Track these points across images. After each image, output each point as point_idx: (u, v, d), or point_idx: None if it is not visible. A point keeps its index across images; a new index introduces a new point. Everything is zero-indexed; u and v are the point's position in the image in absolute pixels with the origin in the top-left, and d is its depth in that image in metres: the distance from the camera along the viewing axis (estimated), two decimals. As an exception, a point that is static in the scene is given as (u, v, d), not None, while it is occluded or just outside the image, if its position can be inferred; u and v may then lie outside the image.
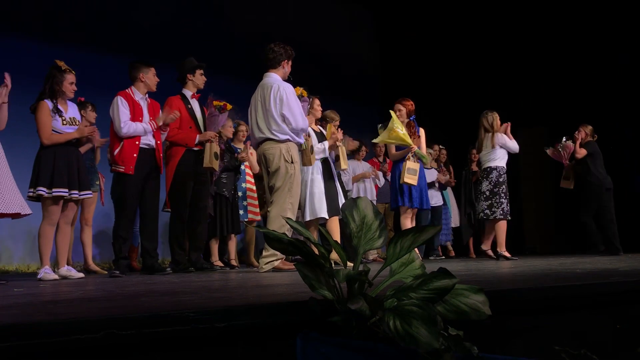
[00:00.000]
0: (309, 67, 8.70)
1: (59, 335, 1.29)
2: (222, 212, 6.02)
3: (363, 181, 7.63)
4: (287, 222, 1.75)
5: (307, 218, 5.22)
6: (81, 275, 4.55)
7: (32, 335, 1.28)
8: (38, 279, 4.20)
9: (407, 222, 5.79)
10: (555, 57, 9.14)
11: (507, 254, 6.17)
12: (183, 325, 1.43)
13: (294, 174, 4.45)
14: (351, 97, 9.33)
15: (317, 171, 5.33)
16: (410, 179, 5.62)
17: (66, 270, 4.43)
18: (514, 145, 6.35)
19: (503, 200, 6.18)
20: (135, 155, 4.80)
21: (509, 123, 6.35)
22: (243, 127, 6.31)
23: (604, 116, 8.68)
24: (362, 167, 7.76)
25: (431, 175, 7.93)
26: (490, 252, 6.38)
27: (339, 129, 5.72)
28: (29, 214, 4.20)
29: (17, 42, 6.62)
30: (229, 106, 5.30)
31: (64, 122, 4.41)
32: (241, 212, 6.30)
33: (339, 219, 5.31)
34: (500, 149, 6.27)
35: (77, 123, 4.53)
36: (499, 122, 6.38)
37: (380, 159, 8.16)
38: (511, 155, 6.48)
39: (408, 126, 5.75)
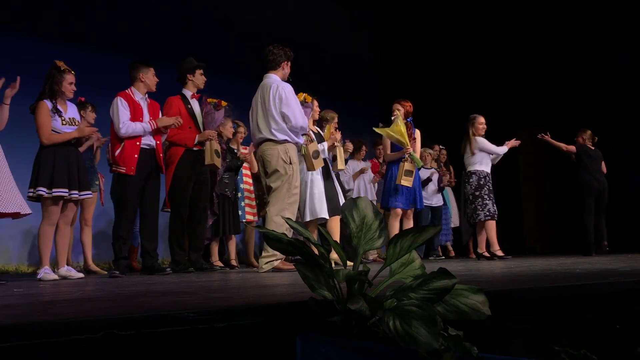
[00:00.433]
0: (309, 67, 8.71)
1: (58, 336, 1.29)
2: (224, 212, 6.02)
3: (363, 179, 7.63)
4: (286, 223, 1.75)
5: (308, 218, 5.22)
6: (81, 275, 4.55)
7: (32, 335, 1.28)
8: (38, 279, 4.20)
9: (395, 224, 5.82)
10: (555, 57, 9.14)
11: (499, 253, 6.21)
12: (183, 326, 1.43)
13: (292, 175, 4.46)
14: (351, 97, 9.34)
15: (316, 171, 5.34)
16: (407, 181, 5.68)
17: (66, 270, 4.43)
18: (495, 149, 6.39)
19: (487, 201, 6.29)
20: (136, 156, 4.79)
21: (516, 141, 6.27)
22: (242, 129, 6.30)
23: (604, 116, 8.68)
24: (354, 164, 7.79)
25: (426, 172, 7.95)
26: (486, 253, 6.41)
27: (337, 130, 5.73)
28: (28, 214, 4.20)
29: (17, 42, 6.62)
30: (224, 103, 5.29)
31: (63, 122, 4.41)
32: (240, 212, 6.30)
33: (339, 219, 5.32)
34: (480, 153, 6.38)
35: (77, 123, 4.53)
36: (479, 125, 6.44)
37: (381, 159, 8.16)
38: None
39: (405, 127, 5.78)
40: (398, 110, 5.87)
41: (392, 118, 5.81)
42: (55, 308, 1.85)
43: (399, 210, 5.82)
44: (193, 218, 5.25)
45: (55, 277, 4.26)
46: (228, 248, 6.34)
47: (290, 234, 3.80)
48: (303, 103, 4.97)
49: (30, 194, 4.29)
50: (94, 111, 5.75)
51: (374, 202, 7.12)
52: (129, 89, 4.97)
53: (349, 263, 1.70)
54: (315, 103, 5.62)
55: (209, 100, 5.23)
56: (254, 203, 6.50)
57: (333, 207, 5.30)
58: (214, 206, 5.82)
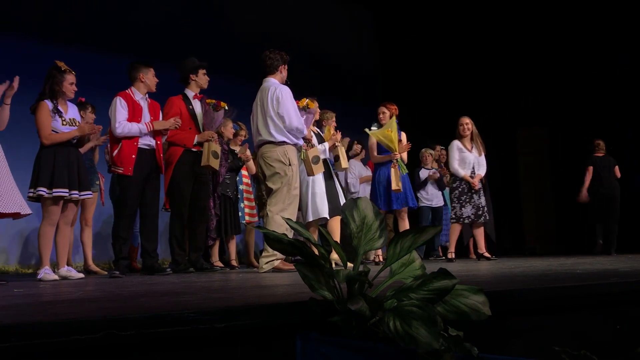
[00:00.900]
0: (309, 67, 8.71)
1: (59, 336, 1.29)
2: (225, 212, 6.02)
3: (368, 183, 7.64)
4: (287, 223, 1.75)
5: (310, 218, 5.22)
6: (81, 275, 4.55)
7: (32, 335, 1.28)
8: (38, 280, 4.19)
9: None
10: (556, 57, 9.14)
11: (450, 256, 6.31)
12: (183, 326, 1.43)
13: (292, 176, 4.50)
14: (351, 97, 9.33)
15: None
16: (400, 185, 5.71)
17: (66, 270, 4.43)
18: (451, 160, 6.43)
19: (455, 204, 6.34)
20: (133, 156, 4.79)
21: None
22: (243, 132, 6.30)
23: (604, 116, 8.68)
24: (360, 166, 7.79)
25: (427, 172, 7.97)
26: (487, 254, 6.46)
27: (338, 130, 5.74)
28: (28, 214, 4.20)
29: (17, 42, 6.62)
30: (223, 104, 5.29)
31: (64, 123, 4.41)
32: (240, 213, 6.30)
33: (340, 220, 5.32)
34: (456, 157, 6.38)
35: (77, 124, 4.52)
36: (459, 126, 6.44)
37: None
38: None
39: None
40: (384, 113, 5.92)
41: (382, 122, 5.86)
42: (56, 308, 1.85)
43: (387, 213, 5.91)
44: (193, 218, 5.25)
45: (56, 277, 4.26)
46: (228, 248, 6.34)
47: (290, 235, 3.80)
48: (305, 109, 5.01)
49: (31, 194, 4.29)
50: (93, 112, 5.75)
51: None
52: (129, 89, 4.96)
53: (349, 263, 1.70)
54: (316, 103, 5.62)
55: (207, 100, 5.22)
56: (253, 204, 6.51)
57: (334, 208, 5.30)
58: (216, 207, 5.81)
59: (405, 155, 6.07)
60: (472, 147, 6.36)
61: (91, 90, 5.71)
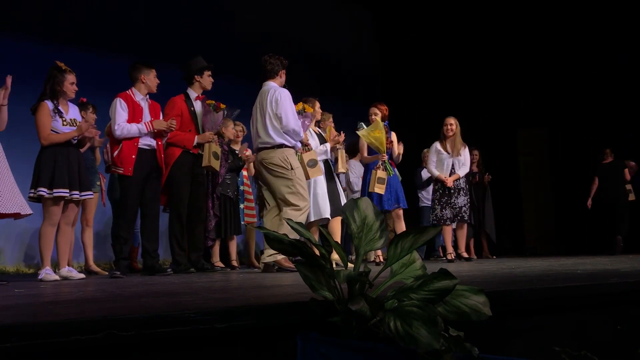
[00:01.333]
0: (309, 67, 8.71)
1: (59, 336, 1.29)
2: (225, 213, 6.01)
3: None
4: (287, 223, 1.75)
5: (312, 219, 5.24)
6: (82, 275, 4.54)
7: (33, 335, 1.28)
8: (39, 280, 4.19)
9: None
10: (556, 57, 9.14)
11: (451, 257, 6.32)
12: (183, 326, 1.43)
13: (295, 179, 4.53)
14: (351, 97, 9.32)
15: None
16: (379, 188, 5.72)
17: (67, 271, 4.43)
18: (429, 168, 6.56)
19: (437, 206, 6.42)
20: (133, 156, 4.78)
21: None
22: (239, 127, 6.30)
23: (604, 116, 8.68)
24: (360, 167, 7.78)
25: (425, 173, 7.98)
26: (464, 254, 6.55)
27: (342, 133, 5.75)
28: (29, 214, 4.20)
29: (17, 42, 6.62)
30: (222, 105, 5.30)
31: (64, 123, 4.40)
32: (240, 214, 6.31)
33: (341, 220, 5.34)
34: (432, 160, 6.48)
35: (78, 124, 4.53)
36: (443, 127, 6.50)
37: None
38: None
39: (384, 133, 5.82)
40: (375, 114, 5.92)
41: (372, 122, 5.86)
42: (56, 308, 1.85)
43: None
44: (190, 219, 5.25)
45: (56, 277, 4.26)
46: (229, 249, 6.34)
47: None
48: (301, 112, 5.06)
49: (31, 195, 4.29)
50: (94, 112, 5.74)
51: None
52: (129, 90, 4.95)
53: (350, 264, 1.70)
54: (317, 104, 5.64)
55: (208, 102, 5.22)
56: (252, 204, 6.51)
57: (335, 209, 5.31)
58: (215, 208, 5.81)
59: (399, 150, 6.09)
60: (452, 149, 6.40)
61: (91, 91, 5.70)
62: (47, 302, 2.20)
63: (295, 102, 4.85)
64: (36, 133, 4.38)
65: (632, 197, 7.90)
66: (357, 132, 5.86)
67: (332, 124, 5.95)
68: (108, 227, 6.53)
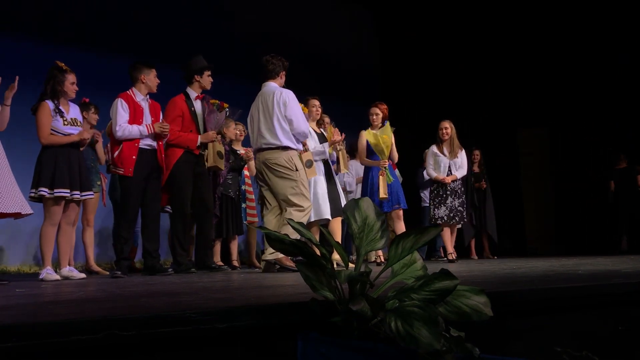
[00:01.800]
0: (309, 67, 8.70)
1: (59, 336, 1.29)
2: (227, 213, 6.01)
3: None
4: (287, 223, 1.75)
5: (312, 219, 5.23)
6: (83, 275, 4.55)
7: (33, 335, 1.28)
8: (40, 280, 4.20)
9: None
10: (556, 57, 9.14)
11: (451, 257, 6.38)
12: (184, 326, 1.43)
13: (299, 180, 4.54)
14: (351, 97, 9.33)
15: (319, 172, 5.34)
16: (386, 194, 5.72)
17: (68, 270, 4.43)
18: (428, 161, 6.64)
19: (432, 206, 6.53)
20: (134, 157, 4.78)
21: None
22: (241, 127, 6.29)
23: (604, 116, 8.68)
24: (358, 166, 7.76)
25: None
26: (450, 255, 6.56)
27: (343, 133, 5.71)
28: (30, 214, 4.20)
29: (17, 42, 6.62)
30: (225, 105, 5.29)
31: (65, 123, 4.41)
32: (242, 214, 6.30)
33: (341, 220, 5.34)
34: (430, 163, 6.60)
35: (79, 124, 4.53)
36: (439, 131, 6.60)
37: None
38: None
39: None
40: (377, 114, 5.89)
41: (374, 123, 5.83)
42: (57, 308, 1.85)
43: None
44: (199, 217, 5.25)
45: (57, 277, 4.26)
46: (230, 248, 6.34)
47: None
48: None
49: (32, 195, 4.29)
50: (96, 112, 5.75)
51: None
52: (130, 90, 4.95)
53: (351, 264, 1.69)
54: (317, 103, 5.63)
55: (211, 101, 5.22)
56: (253, 204, 6.51)
57: (335, 209, 5.31)
58: (215, 208, 5.81)
59: (394, 150, 6.10)
60: (449, 151, 6.53)
61: (91, 91, 5.71)
62: (48, 302, 2.20)
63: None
64: (36, 133, 4.38)
65: None
66: (364, 133, 5.82)
67: (331, 125, 5.91)
68: (109, 227, 6.53)
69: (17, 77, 4.19)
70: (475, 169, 8.15)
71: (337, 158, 5.66)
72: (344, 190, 7.30)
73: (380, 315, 1.43)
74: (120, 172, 4.79)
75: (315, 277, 1.57)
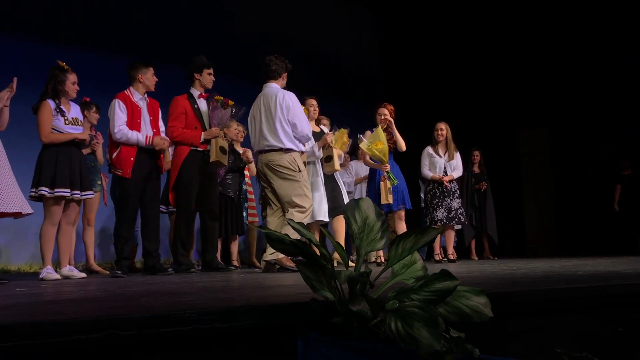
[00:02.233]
0: (310, 67, 8.70)
1: (60, 335, 1.29)
2: (227, 212, 6.01)
3: (366, 182, 7.62)
4: (288, 223, 1.75)
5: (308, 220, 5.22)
6: (83, 275, 4.55)
7: (34, 335, 1.28)
8: (40, 279, 4.20)
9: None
10: (556, 57, 9.14)
11: (452, 257, 6.52)
12: (184, 326, 1.43)
13: (302, 181, 4.54)
14: (351, 97, 9.33)
15: (316, 174, 5.33)
16: (390, 199, 5.72)
17: (68, 270, 4.44)
18: (423, 162, 6.67)
19: (429, 207, 6.55)
20: (132, 158, 4.78)
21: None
22: (240, 128, 6.30)
23: (604, 116, 8.68)
24: (358, 166, 7.76)
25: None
26: (439, 257, 6.66)
27: (332, 132, 5.64)
28: (30, 214, 4.20)
29: (17, 42, 6.62)
30: (230, 102, 5.29)
31: (66, 122, 4.41)
32: (244, 213, 6.30)
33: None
34: (425, 163, 6.64)
35: (80, 123, 4.54)
36: (434, 132, 6.65)
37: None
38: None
39: (386, 131, 5.78)
40: (385, 114, 5.84)
41: (381, 124, 5.78)
42: (57, 308, 1.85)
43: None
44: (205, 217, 5.25)
45: (58, 277, 4.27)
46: (230, 248, 6.34)
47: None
48: None
49: (33, 194, 4.29)
50: (97, 112, 5.75)
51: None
52: (127, 90, 4.95)
53: (351, 264, 1.69)
54: (315, 102, 5.61)
55: (216, 97, 5.22)
56: (254, 204, 6.51)
57: (337, 207, 5.29)
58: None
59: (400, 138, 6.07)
60: (444, 152, 6.58)
61: (91, 91, 5.71)
62: (48, 302, 2.20)
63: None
64: (37, 132, 4.39)
65: None
66: (361, 146, 5.79)
67: (344, 129, 5.84)
68: (109, 226, 6.53)
69: (15, 79, 4.18)
70: (476, 169, 8.14)
71: (329, 156, 5.50)
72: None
73: (380, 316, 1.43)
74: (119, 173, 4.80)
75: (316, 277, 1.57)
